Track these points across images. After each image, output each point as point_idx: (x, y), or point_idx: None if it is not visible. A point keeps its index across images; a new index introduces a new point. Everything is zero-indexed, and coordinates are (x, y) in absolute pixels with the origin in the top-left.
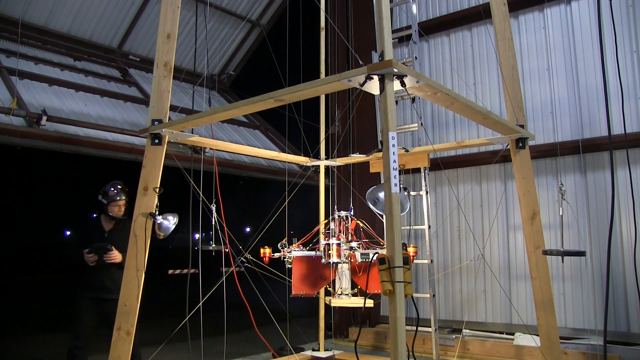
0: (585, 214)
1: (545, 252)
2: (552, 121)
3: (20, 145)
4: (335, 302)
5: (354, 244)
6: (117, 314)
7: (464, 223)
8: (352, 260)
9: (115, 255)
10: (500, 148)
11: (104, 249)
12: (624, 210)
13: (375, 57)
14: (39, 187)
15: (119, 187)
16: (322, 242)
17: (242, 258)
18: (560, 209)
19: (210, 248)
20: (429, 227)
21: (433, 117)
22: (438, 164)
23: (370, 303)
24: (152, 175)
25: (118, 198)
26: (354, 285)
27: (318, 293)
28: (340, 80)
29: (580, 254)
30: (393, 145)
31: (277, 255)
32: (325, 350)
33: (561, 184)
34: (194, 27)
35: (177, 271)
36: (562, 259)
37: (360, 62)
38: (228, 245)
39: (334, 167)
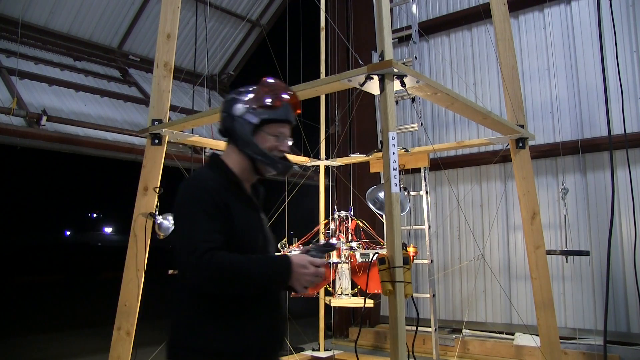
0: (585, 214)
1: (549, 252)
2: (552, 121)
3: (20, 145)
4: (335, 302)
5: (354, 244)
6: (117, 314)
7: (464, 223)
8: (352, 260)
9: None
10: (500, 148)
11: (332, 247)
12: (624, 210)
13: (375, 57)
14: (39, 187)
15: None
16: (322, 242)
17: None
18: (564, 208)
19: None
20: (429, 227)
21: (433, 117)
22: (438, 164)
23: (370, 303)
24: (152, 175)
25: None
26: (354, 285)
27: (318, 293)
28: (340, 80)
29: (584, 253)
30: (393, 145)
31: None
32: (325, 350)
33: (563, 183)
34: (194, 27)
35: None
36: (567, 259)
37: (360, 62)
38: None
39: (334, 167)
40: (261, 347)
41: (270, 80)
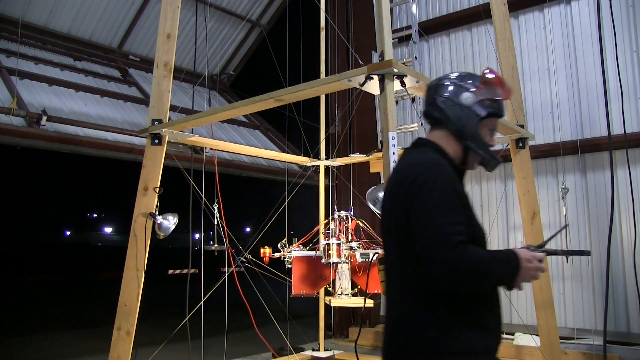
0: (585, 214)
1: (550, 253)
2: (552, 121)
3: (20, 145)
4: (335, 302)
5: (354, 244)
6: (117, 314)
7: None
8: (352, 260)
9: None
10: (500, 148)
11: (554, 252)
12: (624, 210)
13: (375, 57)
14: (39, 187)
15: None
16: (322, 242)
17: (242, 258)
18: (564, 208)
19: (213, 248)
20: None
21: None
22: None
23: (370, 303)
24: (152, 175)
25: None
26: (354, 285)
27: (318, 293)
28: (340, 80)
29: (586, 253)
30: (393, 145)
31: (277, 255)
32: (325, 350)
33: (563, 183)
34: (194, 27)
35: (177, 271)
36: (567, 259)
37: (360, 62)
38: (228, 245)
39: (334, 167)
40: (499, 337)
41: (498, 74)
